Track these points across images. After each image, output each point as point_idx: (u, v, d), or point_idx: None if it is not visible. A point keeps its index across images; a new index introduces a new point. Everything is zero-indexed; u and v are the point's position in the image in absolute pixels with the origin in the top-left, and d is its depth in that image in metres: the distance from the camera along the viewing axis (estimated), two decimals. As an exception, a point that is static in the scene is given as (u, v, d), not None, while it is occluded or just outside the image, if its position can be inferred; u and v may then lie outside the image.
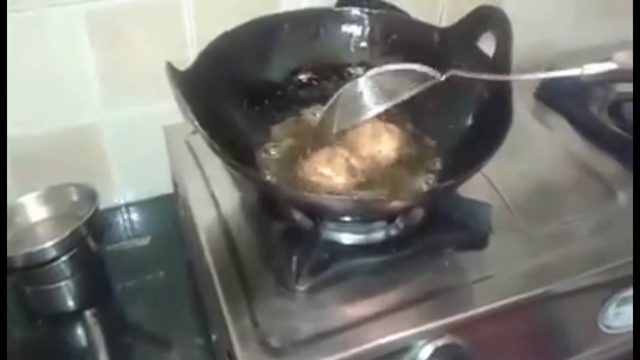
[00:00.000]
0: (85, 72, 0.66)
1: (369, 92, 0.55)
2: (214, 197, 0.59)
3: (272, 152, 0.59)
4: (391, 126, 0.58)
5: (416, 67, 0.54)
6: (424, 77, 0.54)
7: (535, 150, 0.67)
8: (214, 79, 0.56)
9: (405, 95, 0.53)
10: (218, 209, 0.57)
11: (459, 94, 0.56)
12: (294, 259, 0.49)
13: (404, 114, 0.60)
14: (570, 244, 0.55)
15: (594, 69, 0.48)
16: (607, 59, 0.49)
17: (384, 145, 0.56)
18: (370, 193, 0.52)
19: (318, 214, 0.52)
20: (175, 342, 0.60)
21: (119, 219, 0.74)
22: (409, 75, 0.54)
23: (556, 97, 0.74)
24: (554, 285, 0.51)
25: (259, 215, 0.56)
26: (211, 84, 0.55)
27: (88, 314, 0.61)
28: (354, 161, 0.54)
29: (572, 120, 0.72)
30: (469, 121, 0.56)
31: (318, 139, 0.58)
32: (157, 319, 0.62)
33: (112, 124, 0.70)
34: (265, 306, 0.48)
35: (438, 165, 0.57)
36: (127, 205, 0.75)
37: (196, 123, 0.47)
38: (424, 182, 0.55)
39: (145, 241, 0.68)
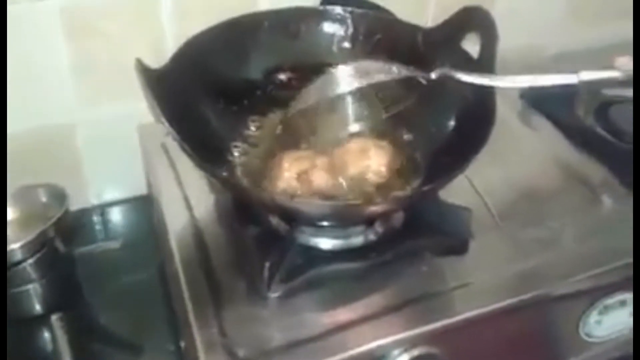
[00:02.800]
0: (59, 70, 0.64)
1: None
2: (187, 200, 0.57)
3: (249, 154, 0.57)
4: (380, 142, 0.55)
5: (401, 69, 0.52)
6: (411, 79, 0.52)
7: (520, 153, 0.66)
8: (190, 78, 0.54)
9: (382, 77, 0.51)
10: (191, 212, 0.56)
11: (442, 96, 0.54)
12: (267, 264, 0.47)
13: (385, 119, 0.58)
14: (552, 250, 0.53)
15: (593, 75, 0.46)
16: (607, 66, 0.47)
17: (373, 160, 0.53)
18: (347, 197, 0.50)
19: (293, 218, 0.50)
20: (145, 348, 0.58)
21: (91, 221, 0.71)
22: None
23: (541, 98, 0.73)
24: (534, 292, 0.49)
25: (232, 219, 0.54)
26: (186, 84, 0.54)
27: (54, 318, 0.59)
28: (332, 166, 0.52)
29: (558, 123, 0.70)
30: (451, 123, 0.55)
31: (295, 140, 0.56)
32: (128, 324, 0.60)
33: (87, 123, 0.68)
34: (235, 314, 0.46)
35: (420, 169, 0.55)
36: (101, 207, 0.73)
37: (166, 123, 0.45)
38: (405, 185, 0.53)
39: (116, 244, 0.66)
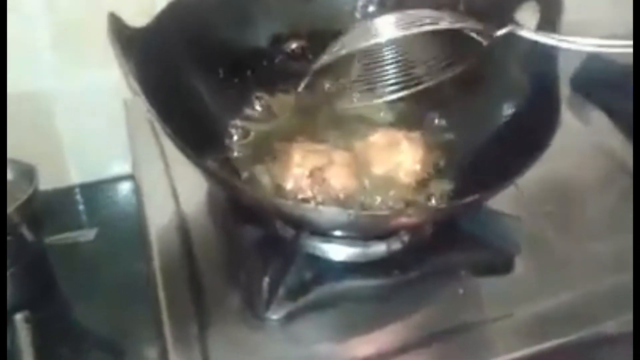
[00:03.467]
0: (33, 29, 0.57)
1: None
2: (174, 188, 0.49)
3: (250, 139, 0.48)
4: (411, 134, 0.46)
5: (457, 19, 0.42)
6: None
7: (571, 150, 0.56)
8: (179, 42, 0.46)
9: (430, 28, 0.41)
10: (177, 204, 0.48)
11: (494, 77, 0.44)
12: (266, 278, 0.39)
13: (422, 105, 0.49)
14: (618, 275, 0.44)
15: None
16: None
17: (404, 155, 0.44)
18: (370, 202, 0.41)
19: (301, 225, 0.41)
20: (127, 354, 0.54)
21: (67, 203, 0.64)
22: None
23: (595, 85, 0.65)
24: (599, 327, 0.41)
25: (227, 216, 0.46)
26: (174, 48, 0.45)
27: (18, 318, 0.52)
28: (353, 163, 0.43)
29: (611, 112, 0.62)
30: (503, 115, 0.45)
31: (309, 126, 0.46)
32: (107, 325, 0.55)
33: (67, 92, 0.62)
34: (222, 337, 0.39)
35: (457, 172, 0.46)
36: (80, 187, 0.65)
37: (143, 96, 0.36)
38: (438, 192, 0.44)
39: (90, 235, 0.58)
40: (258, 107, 0.51)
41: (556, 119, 0.40)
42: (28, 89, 0.60)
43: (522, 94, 0.44)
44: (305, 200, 0.41)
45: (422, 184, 0.44)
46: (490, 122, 0.46)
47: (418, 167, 0.42)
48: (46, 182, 0.56)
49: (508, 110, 0.45)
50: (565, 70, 0.64)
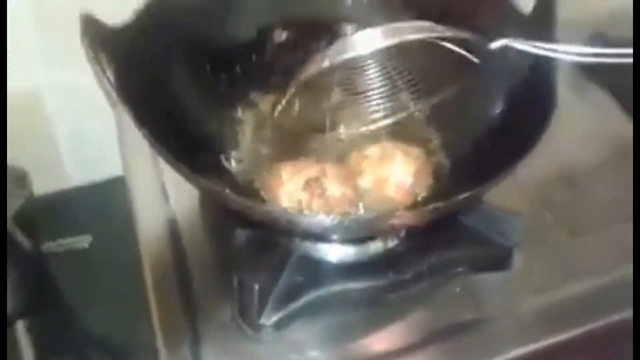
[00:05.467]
0: (22, 24, 0.55)
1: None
2: (165, 189, 0.48)
3: (243, 149, 0.46)
4: (410, 149, 0.44)
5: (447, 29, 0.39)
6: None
7: (575, 136, 0.54)
8: (160, 39, 0.43)
9: (418, 37, 0.38)
10: (167, 206, 0.47)
11: (488, 69, 0.42)
12: (256, 284, 0.37)
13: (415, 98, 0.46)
14: (624, 266, 0.42)
15: None
16: None
17: (397, 167, 0.42)
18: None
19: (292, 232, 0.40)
20: (127, 357, 0.54)
21: (61, 208, 0.63)
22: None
23: (598, 65, 0.62)
24: (604, 320, 0.40)
25: (218, 219, 0.45)
26: (155, 47, 0.42)
27: (19, 326, 0.53)
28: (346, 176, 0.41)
29: (619, 96, 0.59)
30: (498, 105, 0.43)
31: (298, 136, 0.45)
32: (106, 330, 0.54)
33: (55, 90, 0.60)
34: (216, 344, 0.38)
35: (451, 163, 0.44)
36: (74, 190, 0.65)
37: (118, 97, 0.35)
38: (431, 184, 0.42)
39: (85, 241, 0.58)
40: (247, 111, 0.49)
41: (551, 107, 0.38)
42: (13, 86, 0.57)
43: (517, 83, 0.42)
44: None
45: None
46: (484, 114, 0.44)
47: (410, 180, 0.40)
48: (39, 187, 0.55)
49: (501, 100, 0.43)
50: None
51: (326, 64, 0.39)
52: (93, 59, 0.36)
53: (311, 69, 0.41)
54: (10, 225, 0.51)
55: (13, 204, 0.52)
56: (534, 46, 0.39)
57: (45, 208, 0.59)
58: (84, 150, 0.64)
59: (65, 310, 0.56)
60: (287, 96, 0.42)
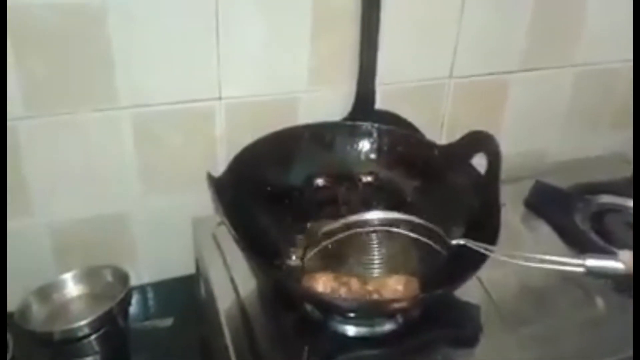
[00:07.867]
0: (126, 168, 0.73)
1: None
2: (234, 282, 0.65)
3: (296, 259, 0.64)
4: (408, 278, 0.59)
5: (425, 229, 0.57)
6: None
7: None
8: (244, 184, 0.65)
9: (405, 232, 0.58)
10: (237, 294, 0.64)
11: (451, 204, 0.64)
12: (306, 348, 0.55)
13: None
14: (551, 346, 0.60)
15: (597, 264, 0.53)
16: (612, 255, 0.53)
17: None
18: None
19: (326, 308, 0.59)
20: None
21: (141, 298, 0.78)
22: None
23: (544, 205, 0.81)
24: None
25: (273, 303, 0.63)
26: (240, 187, 0.64)
27: None
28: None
29: (557, 227, 0.77)
30: (461, 232, 0.63)
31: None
32: None
33: (145, 213, 0.77)
34: None
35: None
36: (153, 285, 0.80)
37: (227, 222, 0.56)
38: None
39: (167, 322, 0.73)
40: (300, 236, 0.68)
41: (496, 235, 0.58)
42: (115, 211, 0.74)
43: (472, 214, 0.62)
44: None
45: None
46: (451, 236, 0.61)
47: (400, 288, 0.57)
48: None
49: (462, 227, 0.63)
50: (521, 192, 0.82)
51: (339, 223, 0.58)
52: (214, 198, 0.58)
53: (333, 225, 0.59)
54: (114, 309, 0.67)
55: (117, 295, 0.68)
56: (490, 251, 0.55)
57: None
58: (157, 255, 0.79)
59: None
60: (319, 247, 0.59)
